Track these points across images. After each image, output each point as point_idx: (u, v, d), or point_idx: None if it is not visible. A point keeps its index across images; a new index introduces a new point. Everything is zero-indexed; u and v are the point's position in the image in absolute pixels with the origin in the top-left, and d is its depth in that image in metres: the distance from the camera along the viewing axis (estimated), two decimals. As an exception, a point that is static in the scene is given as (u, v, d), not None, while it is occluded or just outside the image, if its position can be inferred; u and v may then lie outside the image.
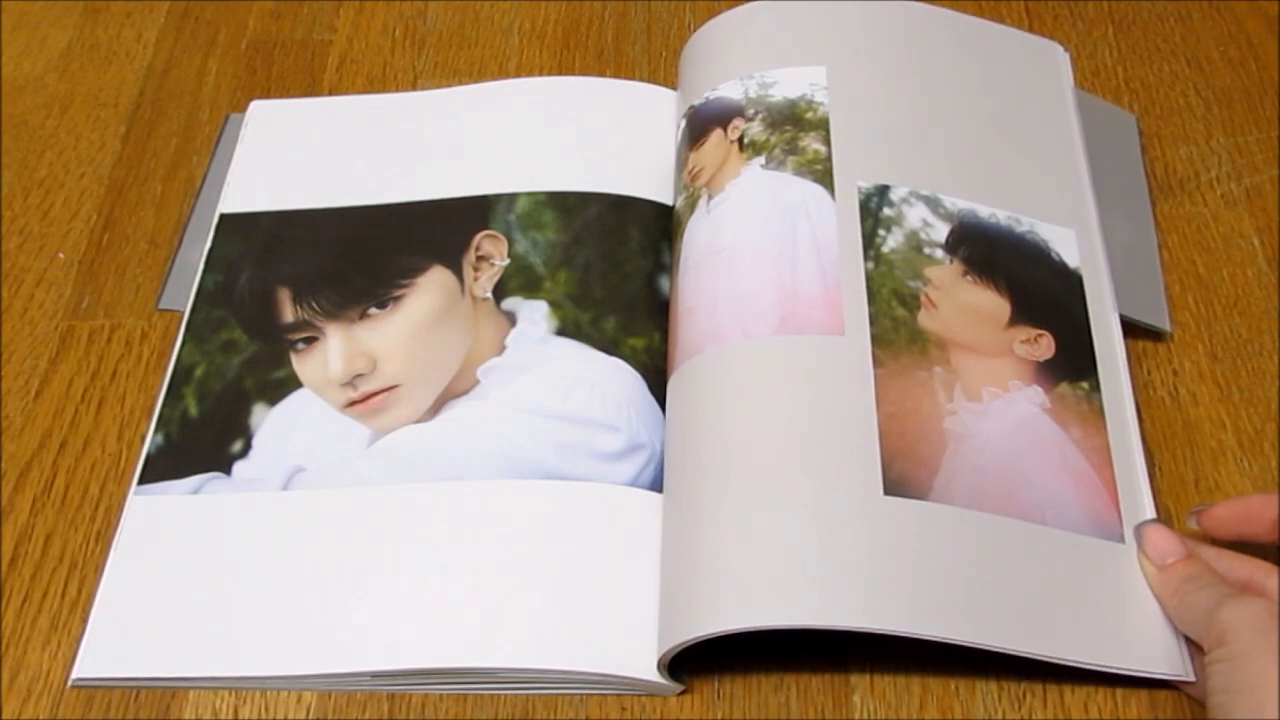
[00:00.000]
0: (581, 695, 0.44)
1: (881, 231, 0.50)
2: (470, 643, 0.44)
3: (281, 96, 0.62)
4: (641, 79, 0.62)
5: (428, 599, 0.45)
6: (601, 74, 0.63)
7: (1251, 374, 0.51)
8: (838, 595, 0.41)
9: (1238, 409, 0.50)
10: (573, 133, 0.58)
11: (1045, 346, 0.48)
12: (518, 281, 0.53)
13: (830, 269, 0.48)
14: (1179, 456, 0.49)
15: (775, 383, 0.46)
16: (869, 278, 0.48)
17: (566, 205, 0.55)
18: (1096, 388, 0.48)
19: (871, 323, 0.47)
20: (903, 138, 0.53)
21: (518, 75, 0.63)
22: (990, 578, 0.43)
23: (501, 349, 0.51)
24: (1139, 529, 0.44)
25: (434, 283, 0.53)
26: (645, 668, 0.43)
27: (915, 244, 0.50)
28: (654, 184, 0.55)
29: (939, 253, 0.50)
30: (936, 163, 0.52)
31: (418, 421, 0.50)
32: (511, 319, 0.52)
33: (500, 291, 0.53)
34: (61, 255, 0.57)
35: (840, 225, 0.49)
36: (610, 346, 0.51)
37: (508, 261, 0.54)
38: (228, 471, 0.49)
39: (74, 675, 0.45)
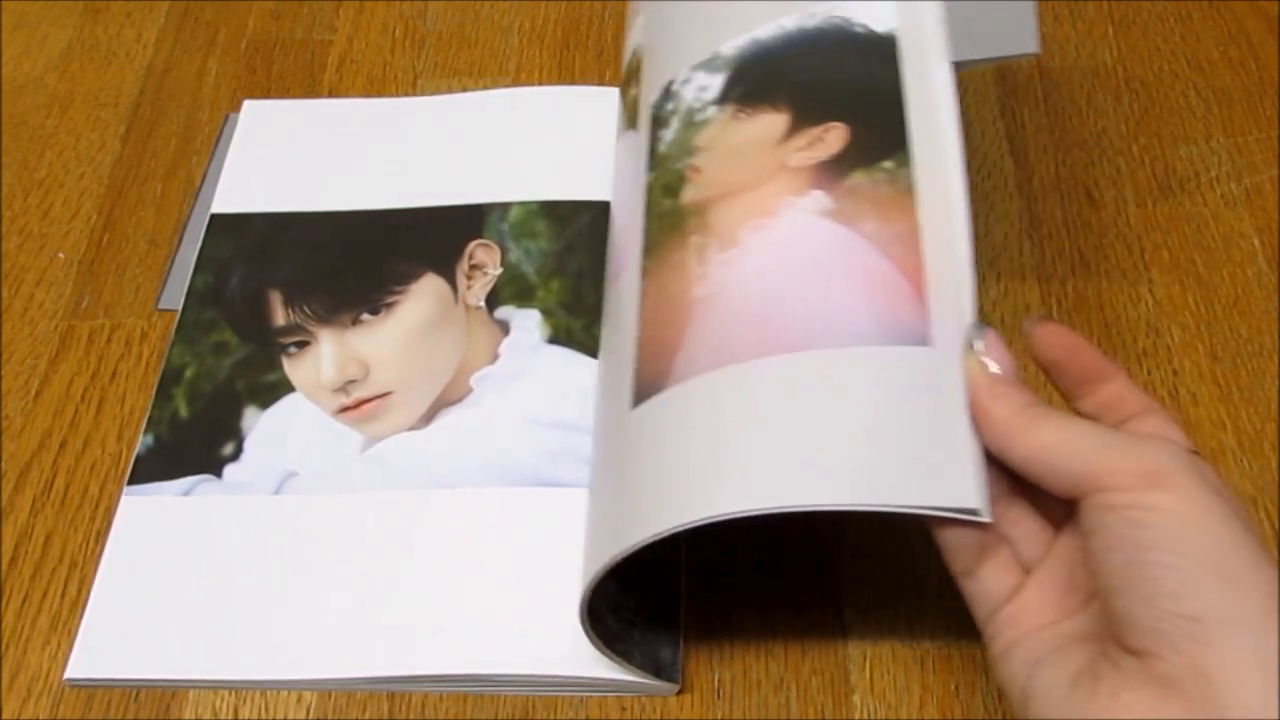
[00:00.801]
0: (581, 696, 0.44)
1: (660, 132, 0.45)
2: (465, 649, 0.44)
3: (281, 96, 0.62)
4: (641, 79, 0.62)
5: (422, 605, 0.45)
6: (601, 74, 0.63)
7: (1251, 374, 0.51)
8: (616, 537, 0.37)
9: (1238, 409, 0.50)
10: (565, 141, 0.58)
11: (833, 140, 0.41)
12: (510, 290, 0.53)
13: (627, 210, 0.45)
14: (1179, 456, 0.49)
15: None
16: (648, 190, 0.44)
17: (559, 214, 0.55)
18: (904, 163, 0.39)
19: (645, 236, 0.43)
20: (693, 24, 0.47)
21: (518, 75, 0.63)
22: (745, 435, 0.36)
23: (495, 357, 0.51)
24: (980, 330, 0.36)
25: (427, 290, 0.53)
26: (640, 670, 0.43)
27: (689, 120, 0.44)
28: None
29: (711, 110, 0.44)
30: (719, 20, 0.46)
31: (411, 429, 0.50)
32: (505, 327, 0.52)
33: (493, 300, 0.53)
34: (61, 255, 0.57)
35: (632, 157, 0.46)
36: (606, 350, 0.51)
37: (500, 270, 0.54)
38: (219, 474, 0.49)
39: (66, 675, 0.45)
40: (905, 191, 0.39)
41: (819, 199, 0.39)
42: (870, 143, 0.40)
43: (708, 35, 0.46)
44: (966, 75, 0.61)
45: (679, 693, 0.44)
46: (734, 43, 0.45)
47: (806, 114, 0.42)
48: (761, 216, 0.40)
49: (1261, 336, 0.52)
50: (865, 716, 0.43)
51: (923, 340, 0.36)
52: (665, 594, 0.45)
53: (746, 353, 0.37)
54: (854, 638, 0.45)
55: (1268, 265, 0.54)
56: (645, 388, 0.39)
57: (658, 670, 0.43)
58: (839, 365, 0.36)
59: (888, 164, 0.39)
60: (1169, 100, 0.60)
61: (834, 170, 0.40)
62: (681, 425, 0.37)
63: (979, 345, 0.35)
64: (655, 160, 0.45)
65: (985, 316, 0.52)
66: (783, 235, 0.39)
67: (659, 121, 0.46)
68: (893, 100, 0.41)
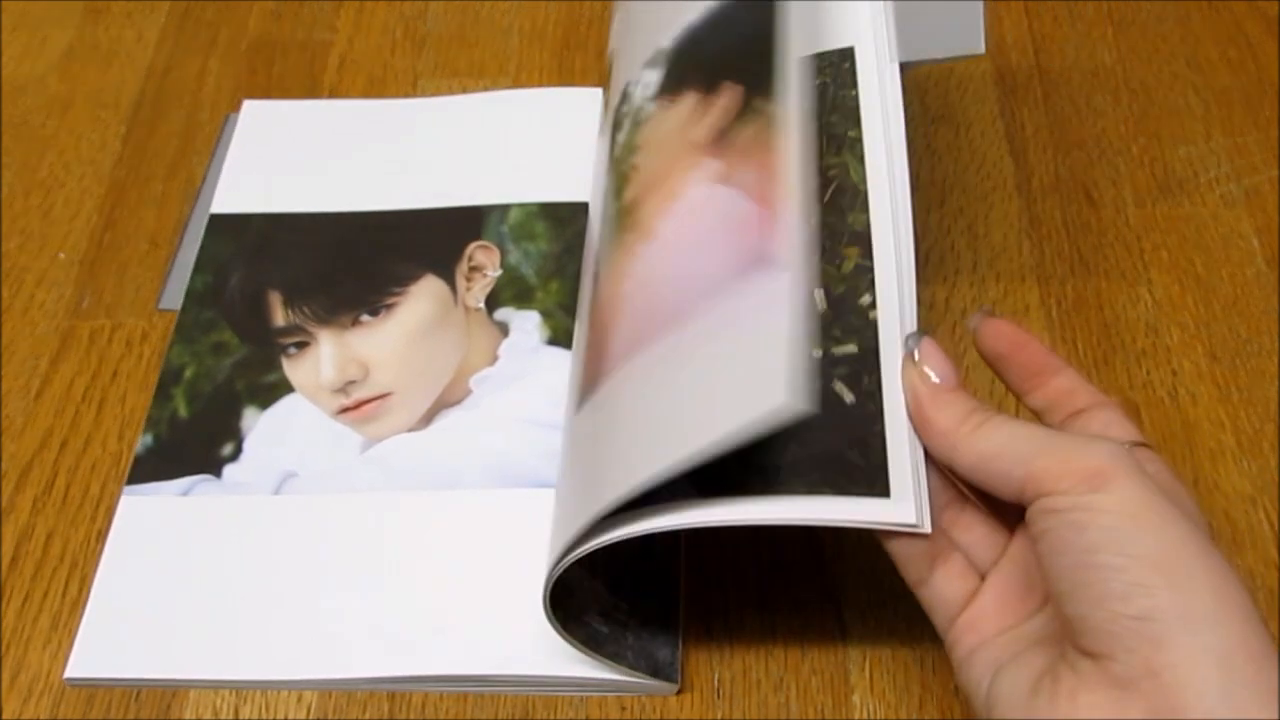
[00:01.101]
0: (581, 696, 0.44)
1: (617, 135, 0.45)
2: (465, 649, 0.44)
3: (282, 97, 0.62)
4: (641, 79, 0.62)
5: (422, 606, 0.45)
6: (601, 74, 0.63)
7: (1251, 374, 0.51)
8: (555, 542, 0.37)
9: (1237, 409, 0.50)
10: (565, 143, 0.58)
11: (728, 103, 0.39)
12: (510, 292, 0.53)
13: (595, 216, 0.45)
14: (1178, 456, 0.49)
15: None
16: (604, 195, 0.44)
17: (558, 216, 0.55)
18: (778, 98, 0.37)
19: (599, 241, 0.43)
20: (645, 24, 0.47)
21: (518, 75, 0.63)
22: (653, 431, 0.34)
23: (494, 359, 0.51)
24: (917, 339, 0.35)
25: (426, 291, 0.53)
26: (635, 670, 0.43)
27: (636, 120, 0.44)
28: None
29: (650, 106, 0.43)
30: (664, 16, 0.45)
31: (411, 430, 0.50)
32: (504, 329, 0.52)
33: (493, 302, 0.53)
34: (62, 255, 0.57)
35: (600, 162, 0.46)
36: (603, 352, 0.51)
37: (500, 272, 0.54)
38: (218, 474, 0.49)
39: (66, 675, 0.45)
40: (769, 125, 0.36)
41: (711, 166, 0.38)
42: (751, 93, 0.38)
43: (654, 33, 0.46)
44: (966, 76, 0.61)
45: (679, 692, 0.44)
46: (670, 34, 0.45)
47: (708, 85, 0.41)
48: (670, 201, 0.39)
49: (1260, 337, 0.52)
50: (865, 716, 0.43)
51: (768, 261, 0.33)
52: (664, 594, 0.45)
53: (647, 341, 0.36)
54: (854, 638, 0.45)
55: (1266, 265, 0.54)
56: (583, 391, 0.40)
57: (655, 670, 0.43)
58: (740, 339, 0.33)
59: (758, 102, 0.37)
60: (1168, 101, 0.60)
61: (726, 132, 0.39)
62: (603, 427, 0.37)
63: (917, 355, 0.35)
64: (611, 164, 0.45)
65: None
66: (684, 214, 0.38)
67: (617, 125, 0.46)
68: (770, 46, 0.38)
